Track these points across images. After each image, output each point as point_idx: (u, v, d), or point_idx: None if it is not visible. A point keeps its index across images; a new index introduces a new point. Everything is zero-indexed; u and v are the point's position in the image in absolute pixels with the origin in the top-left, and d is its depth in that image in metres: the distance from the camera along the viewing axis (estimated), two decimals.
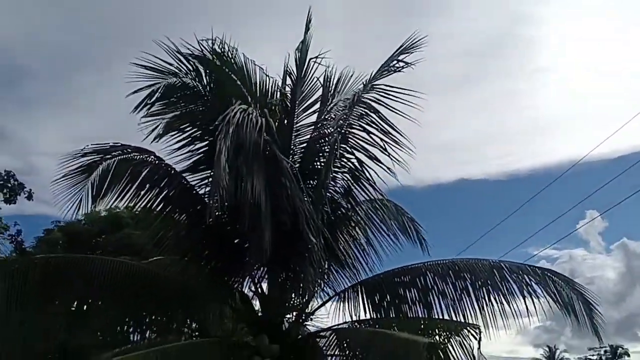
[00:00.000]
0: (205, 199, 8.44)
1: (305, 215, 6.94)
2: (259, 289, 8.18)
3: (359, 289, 8.37)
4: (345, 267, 8.88)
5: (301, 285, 7.78)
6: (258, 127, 6.64)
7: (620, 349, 76.87)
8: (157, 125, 8.19)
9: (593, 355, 79.76)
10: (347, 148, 8.09)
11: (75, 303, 6.91)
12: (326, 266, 8.03)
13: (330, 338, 7.28)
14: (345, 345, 6.95)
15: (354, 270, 8.97)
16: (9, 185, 21.54)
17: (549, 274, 7.60)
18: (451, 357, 5.78)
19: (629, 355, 76.92)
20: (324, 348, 7.43)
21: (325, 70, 8.90)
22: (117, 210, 21.40)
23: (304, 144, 8.74)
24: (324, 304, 8.51)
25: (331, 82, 9.14)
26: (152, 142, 8.15)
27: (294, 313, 8.28)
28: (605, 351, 78.05)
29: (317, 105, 8.90)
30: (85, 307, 6.92)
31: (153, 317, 7.57)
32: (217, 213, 7.49)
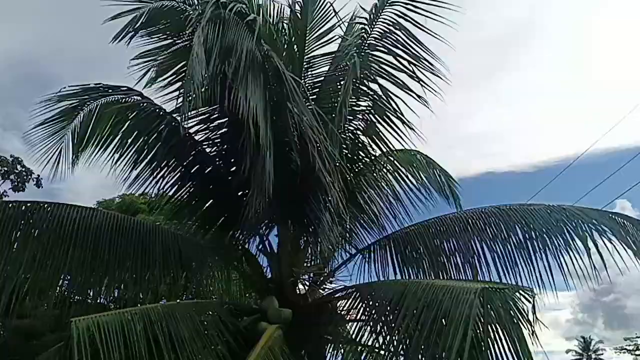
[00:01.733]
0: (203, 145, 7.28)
1: (318, 147, 5.64)
2: (268, 247, 6.91)
3: (387, 245, 7.01)
4: (370, 221, 7.56)
5: (318, 239, 6.44)
6: (249, 20, 5.38)
7: None
8: (149, 69, 7.03)
9: (629, 345, 76.94)
10: (369, 74, 6.70)
11: (40, 255, 5.65)
12: (347, 217, 6.68)
13: (353, 298, 5.88)
14: (371, 303, 5.55)
15: (379, 227, 7.65)
16: (16, 171, 20.47)
17: (619, 218, 6.08)
18: (513, 306, 4.31)
19: None
20: (345, 311, 6.08)
21: None
22: (130, 195, 20.60)
23: (320, 79, 7.39)
24: (345, 262, 7.20)
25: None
26: (144, 87, 6.97)
27: (311, 274, 6.98)
28: None
29: (332, 35, 7.53)
30: (49, 262, 5.66)
31: (136, 277, 6.25)
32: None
